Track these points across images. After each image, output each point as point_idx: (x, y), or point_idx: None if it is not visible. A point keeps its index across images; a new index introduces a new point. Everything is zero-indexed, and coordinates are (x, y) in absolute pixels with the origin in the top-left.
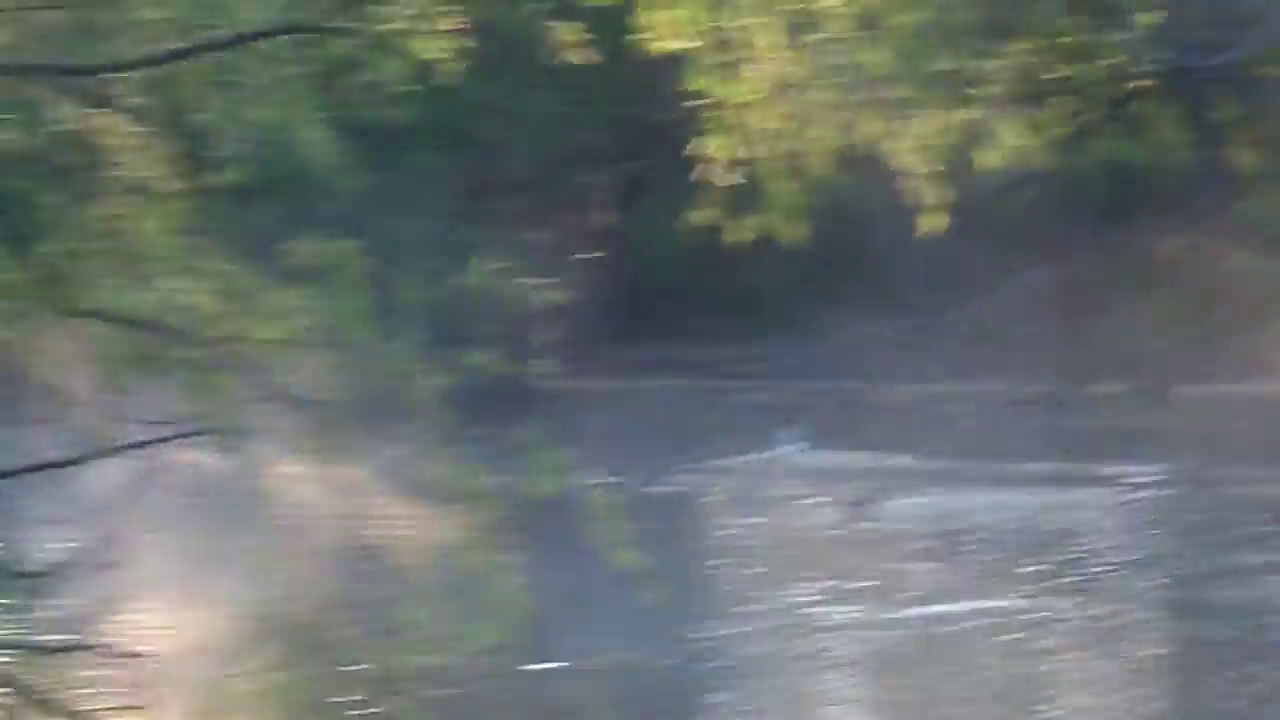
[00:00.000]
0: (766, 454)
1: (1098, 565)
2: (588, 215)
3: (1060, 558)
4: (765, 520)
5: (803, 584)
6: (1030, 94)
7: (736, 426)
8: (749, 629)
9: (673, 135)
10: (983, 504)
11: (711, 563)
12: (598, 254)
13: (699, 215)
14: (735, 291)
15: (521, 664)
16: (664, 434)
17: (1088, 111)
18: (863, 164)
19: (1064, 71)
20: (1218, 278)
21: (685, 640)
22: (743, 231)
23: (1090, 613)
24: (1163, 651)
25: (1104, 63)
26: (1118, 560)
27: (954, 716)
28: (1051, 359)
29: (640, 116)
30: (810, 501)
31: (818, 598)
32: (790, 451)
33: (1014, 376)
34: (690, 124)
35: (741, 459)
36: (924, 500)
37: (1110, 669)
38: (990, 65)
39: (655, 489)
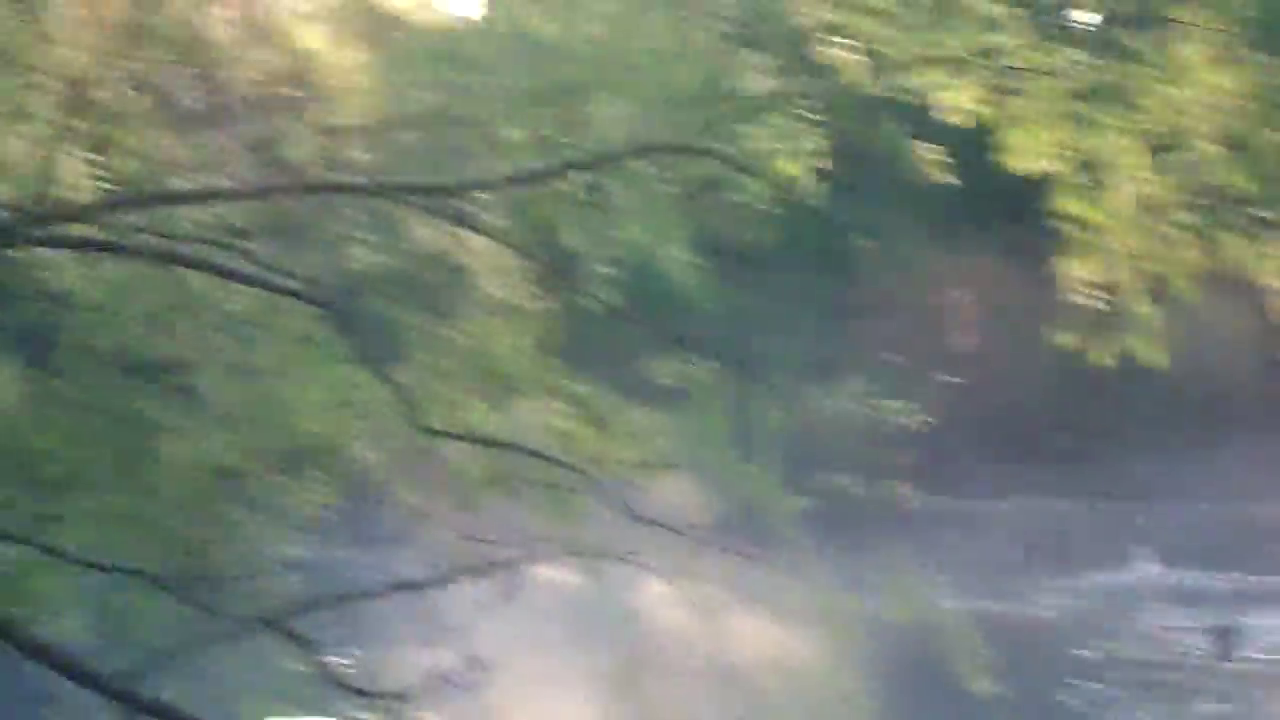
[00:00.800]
0: (1124, 574)
1: None
2: (953, 335)
3: None
4: (1123, 646)
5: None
6: None
7: (1100, 547)
8: None
9: (1038, 255)
10: None
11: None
12: (961, 376)
13: (1062, 337)
14: (1104, 412)
15: None
16: (1026, 555)
17: None
18: (1229, 286)
19: None
20: None
21: None
22: (1103, 354)
23: None
24: None
25: None
26: None
27: None
28: None
29: (1005, 237)
30: (1172, 626)
31: None
32: (1147, 572)
33: None
34: (1055, 244)
35: (1100, 578)
36: None
37: None
38: None
39: (1011, 609)
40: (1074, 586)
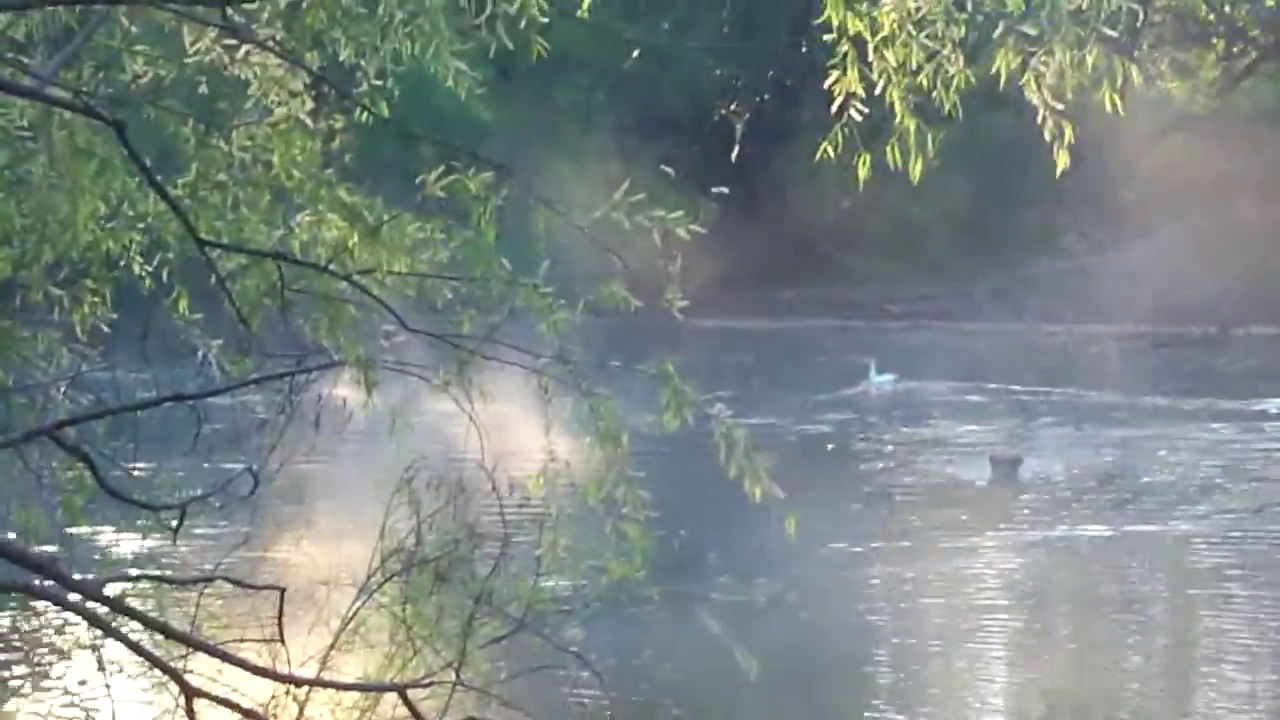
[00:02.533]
0: (860, 388)
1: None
2: (734, 152)
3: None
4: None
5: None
6: (1183, 36)
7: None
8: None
9: (819, 72)
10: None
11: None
12: (738, 190)
13: (825, 149)
14: (888, 233)
15: (653, 597)
16: (795, 373)
17: (1243, 55)
18: (1000, 103)
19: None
20: None
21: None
22: (864, 167)
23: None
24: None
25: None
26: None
27: None
28: (1205, 302)
29: (787, 52)
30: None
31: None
32: (882, 384)
33: (1167, 319)
34: (830, 59)
35: (844, 393)
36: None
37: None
38: (1126, 3)
39: (773, 424)
40: (815, 402)
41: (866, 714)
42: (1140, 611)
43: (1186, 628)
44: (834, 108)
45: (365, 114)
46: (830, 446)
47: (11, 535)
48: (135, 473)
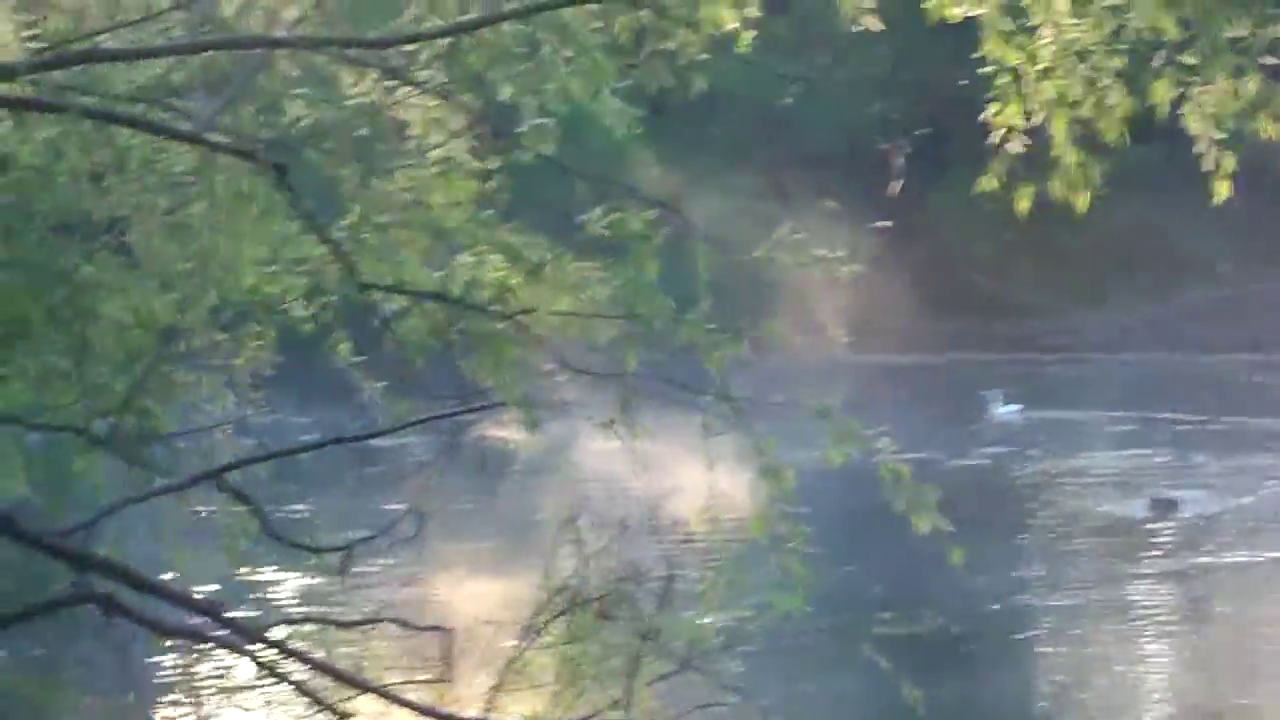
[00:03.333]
0: (988, 419)
1: None
2: (889, 187)
3: None
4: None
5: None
6: None
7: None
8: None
9: (975, 105)
10: None
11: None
12: (893, 224)
13: (986, 182)
14: (1042, 263)
15: (817, 631)
16: (953, 406)
17: None
18: (1152, 130)
19: None
20: None
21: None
22: (1024, 200)
23: None
24: None
25: None
26: None
27: None
28: None
29: (942, 86)
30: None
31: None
32: (1008, 414)
33: None
34: (987, 92)
35: (996, 425)
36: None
37: None
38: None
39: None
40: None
41: None
42: None
43: None
44: (992, 140)
45: (527, 153)
46: (988, 479)
47: (171, 575)
48: (297, 514)
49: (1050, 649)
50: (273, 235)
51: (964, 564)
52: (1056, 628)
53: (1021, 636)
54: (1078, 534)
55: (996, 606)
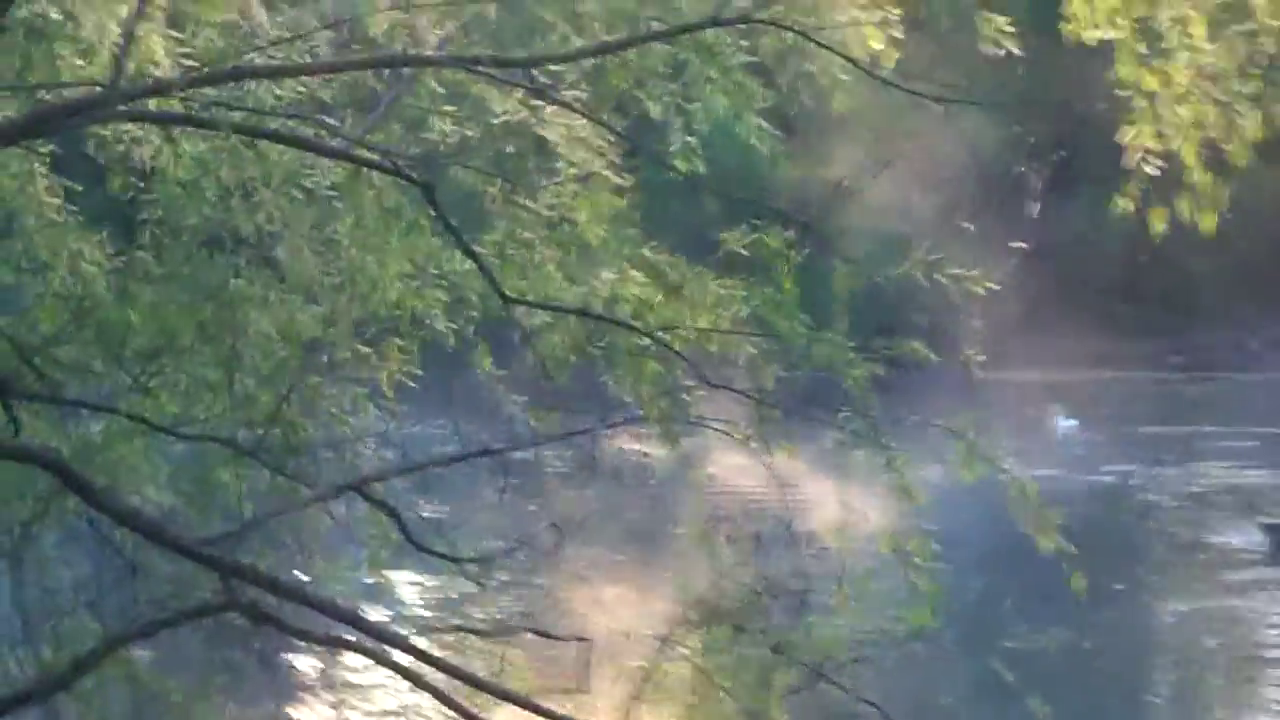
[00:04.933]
0: (1050, 434)
1: None
2: (1025, 207)
3: None
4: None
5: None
6: None
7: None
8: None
9: (1105, 125)
10: None
11: None
12: (1028, 245)
13: (1119, 204)
14: (1168, 283)
15: (947, 645)
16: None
17: None
18: (1275, 151)
19: None
20: None
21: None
22: (1158, 222)
23: None
24: None
25: None
26: None
27: None
28: None
29: (1073, 108)
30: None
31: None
32: (1068, 429)
33: None
34: (1119, 113)
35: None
36: None
37: None
38: None
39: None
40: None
41: None
42: None
43: None
44: (1126, 161)
45: (676, 172)
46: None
47: (310, 578)
48: (438, 523)
49: (1173, 660)
50: (417, 250)
51: (1083, 588)
52: (1180, 640)
53: (1152, 650)
54: (1202, 550)
55: (1124, 621)
